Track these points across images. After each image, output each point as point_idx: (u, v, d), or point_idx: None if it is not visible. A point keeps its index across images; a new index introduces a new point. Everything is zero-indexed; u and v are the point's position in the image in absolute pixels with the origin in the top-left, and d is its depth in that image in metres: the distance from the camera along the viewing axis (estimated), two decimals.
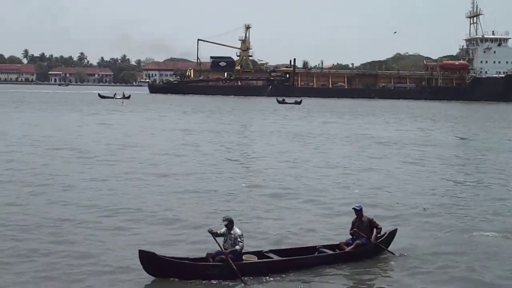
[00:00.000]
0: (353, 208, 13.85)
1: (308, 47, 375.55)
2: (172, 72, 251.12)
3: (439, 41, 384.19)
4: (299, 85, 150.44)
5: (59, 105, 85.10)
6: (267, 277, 12.29)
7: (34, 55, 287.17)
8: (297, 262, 12.86)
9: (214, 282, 12.00)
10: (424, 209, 19.17)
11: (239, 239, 12.36)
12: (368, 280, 12.74)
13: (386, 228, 14.52)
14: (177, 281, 12.04)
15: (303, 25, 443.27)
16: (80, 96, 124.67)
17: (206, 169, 26.36)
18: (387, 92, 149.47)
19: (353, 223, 13.78)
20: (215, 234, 12.39)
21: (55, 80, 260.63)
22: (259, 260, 12.62)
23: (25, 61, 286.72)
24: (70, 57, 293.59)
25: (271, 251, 13.25)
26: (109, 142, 36.55)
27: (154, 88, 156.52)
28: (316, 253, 13.34)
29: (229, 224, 12.52)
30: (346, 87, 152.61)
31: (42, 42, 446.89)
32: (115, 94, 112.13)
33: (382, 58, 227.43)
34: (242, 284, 11.95)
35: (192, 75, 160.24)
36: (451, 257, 14.04)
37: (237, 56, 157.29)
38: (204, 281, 12.00)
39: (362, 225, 13.62)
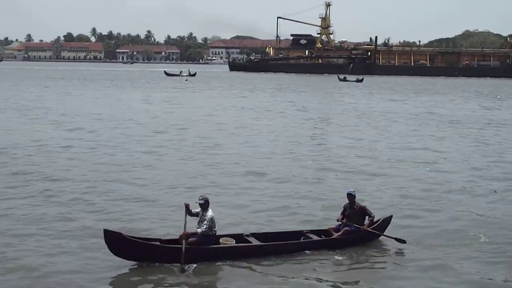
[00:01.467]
0: (347, 193, 13.12)
1: (377, 24, 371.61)
2: (238, 50, 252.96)
3: (509, 17, 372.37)
4: (380, 63, 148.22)
5: (130, 82, 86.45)
6: (245, 263, 11.67)
7: (102, 34, 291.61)
8: (277, 247, 12.20)
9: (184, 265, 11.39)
10: (495, 191, 18.26)
11: (204, 221, 11.72)
12: (354, 268, 11.98)
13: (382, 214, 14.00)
14: (145, 263, 11.52)
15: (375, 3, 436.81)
16: (147, 73, 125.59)
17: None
18: (470, 70, 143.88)
19: (345, 209, 13.15)
20: (188, 211, 11.78)
21: (123, 58, 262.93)
22: (235, 245, 12.00)
23: (93, 39, 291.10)
24: (137, 35, 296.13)
25: (252, 234, 12.61)
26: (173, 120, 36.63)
27: (234, 66, 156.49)
28: (302, 238, 12.74)
29: (205, 204, 11.85)
30: (428, 65, 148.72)
31: (110, 21, 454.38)
32: (181, 71, 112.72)
33: (450, 35, 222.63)
34: (211, 267, 11.50)
35: (271, 53, 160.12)
36: (457, 249, 13.02)
37: (317, 34, 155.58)
38: (173, 264, 11.40)
39: (354, 212, 12.94)
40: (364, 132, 32.75)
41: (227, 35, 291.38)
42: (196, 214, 11.93)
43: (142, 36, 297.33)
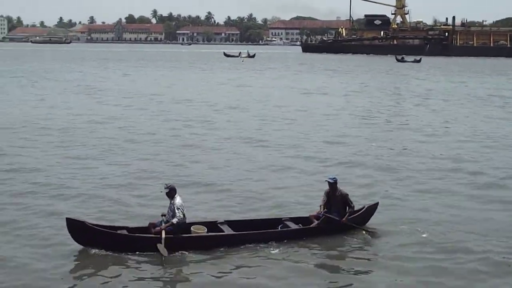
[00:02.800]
0: (327, 181, 12.38)
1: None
2: (298, 31, 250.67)
3: None
4: (458, 44, 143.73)
5: (188, 63, 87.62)
6: (216, 252, 11.19)
7: (163, 15, 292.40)
8: (249, 236, 11.65)
9: (147, 254, 10.98)
10: None
11: (176, 210, 11.23)
12: (330, 259, 11.31)
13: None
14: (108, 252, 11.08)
15: None
16: (206, 55, 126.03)
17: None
18: None
19: (328, 196, 12.39)
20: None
21: (183, 39, 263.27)
22: (206, 234, 11.52)
23: (154, 21, 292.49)
24: (198, 17, 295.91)
25: (226, 222, 12.15)
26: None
27: (307, 47, 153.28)
28: (280, 226, 12.19)
29: (170, 192, 11.44)
30: (508, 45, 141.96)
31: (171, 2, 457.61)
32: (240, 53, 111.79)
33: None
34: (180, 257, 11.02)
35: (344, 34, 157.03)
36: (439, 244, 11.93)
37: (392, 14, 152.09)
38: (137, 253, 11.02)
39: (335, 199, 12.28)
40: (416, 115, 31.66)
41: (286, 16, 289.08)
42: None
43: (202, 17, 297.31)
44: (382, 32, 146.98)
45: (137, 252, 11.07)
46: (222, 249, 11.32)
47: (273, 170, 17.90)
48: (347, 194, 12.41)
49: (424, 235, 12.30)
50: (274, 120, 28.48)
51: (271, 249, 11.48)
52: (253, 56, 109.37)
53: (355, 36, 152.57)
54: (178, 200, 11.42)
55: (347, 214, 12.27)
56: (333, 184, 12.31)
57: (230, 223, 12.13)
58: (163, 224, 11.24)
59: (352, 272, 10.77)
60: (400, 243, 11.96)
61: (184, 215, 11.34)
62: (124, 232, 11.45)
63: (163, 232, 10.98)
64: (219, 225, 12.02)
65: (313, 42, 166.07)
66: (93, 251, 11.15)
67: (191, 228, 11.57)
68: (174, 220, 11.19)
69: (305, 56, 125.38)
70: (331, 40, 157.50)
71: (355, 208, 12.58)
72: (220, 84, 49.99)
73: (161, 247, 10.86)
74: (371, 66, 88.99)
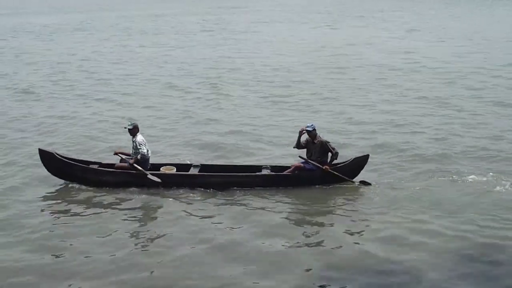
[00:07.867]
0: (305, 130, 12.36)
1: None
2: None
3: None
4: None
5: None
6: (180, 193, 11.69)
7: None
8: (215, 179, 11.88)
9: (114, 188, 11.82)
10: None
11: (138, 146, 11.93)
12: (296, 208, 11.33)
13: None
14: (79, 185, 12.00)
15: None
16: None
17: None
18: None
19: (307, 144, 12.51)
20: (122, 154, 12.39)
21: None
22: (169, 172, 11.99)
23: None
24: None
25: (203, 165, 12.50)
26: None
27: None
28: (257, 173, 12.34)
29: (133, 129, 12.09)
30: None
31: None
32: None
33: None
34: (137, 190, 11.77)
35: None
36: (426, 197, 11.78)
37: None
38: (103, 187, 11.86)
39: (314, 147, 12.28)
40: None
41: None
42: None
43: None
44: None
45: (106, 187, 11.97)
46: (186, 189, 11.87)
47: None
48: (327, 141, 12.32)
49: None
50: None
51: (235, 192, 11.84)
52: None
53: None
54: (139, 137, 12.14)
55: (330, 161, 12.26)
56: (311, 132, 12.34)
57: (205, 167, 12.53)
58: (131, 160, 12.06)
59: (315, 224, 10.69)
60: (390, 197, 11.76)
61: (147, 150, 12.14)
62: (95, 166, 12.24)
63: (137, 166, 11.89)
64: (192, 167, 12.46)
65: None
66: (71, 184, 12.12)
67: (161, 168, 12.20)
68: (139, 156, 11.98)
69: None
70: None
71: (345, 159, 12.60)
72: None
73: (151, 176, 11.77)
74: None
